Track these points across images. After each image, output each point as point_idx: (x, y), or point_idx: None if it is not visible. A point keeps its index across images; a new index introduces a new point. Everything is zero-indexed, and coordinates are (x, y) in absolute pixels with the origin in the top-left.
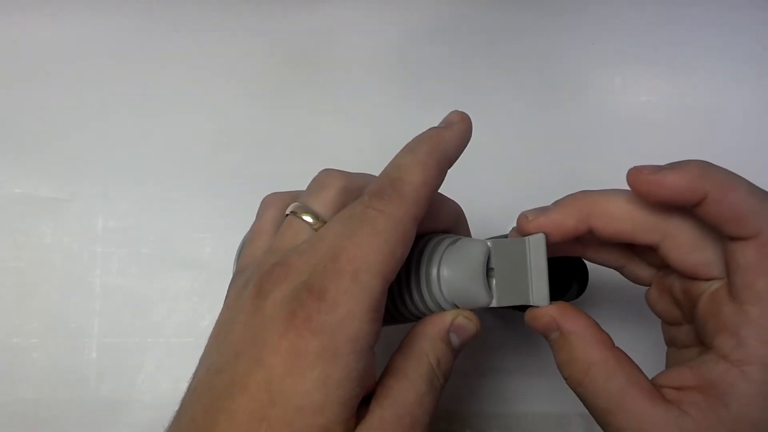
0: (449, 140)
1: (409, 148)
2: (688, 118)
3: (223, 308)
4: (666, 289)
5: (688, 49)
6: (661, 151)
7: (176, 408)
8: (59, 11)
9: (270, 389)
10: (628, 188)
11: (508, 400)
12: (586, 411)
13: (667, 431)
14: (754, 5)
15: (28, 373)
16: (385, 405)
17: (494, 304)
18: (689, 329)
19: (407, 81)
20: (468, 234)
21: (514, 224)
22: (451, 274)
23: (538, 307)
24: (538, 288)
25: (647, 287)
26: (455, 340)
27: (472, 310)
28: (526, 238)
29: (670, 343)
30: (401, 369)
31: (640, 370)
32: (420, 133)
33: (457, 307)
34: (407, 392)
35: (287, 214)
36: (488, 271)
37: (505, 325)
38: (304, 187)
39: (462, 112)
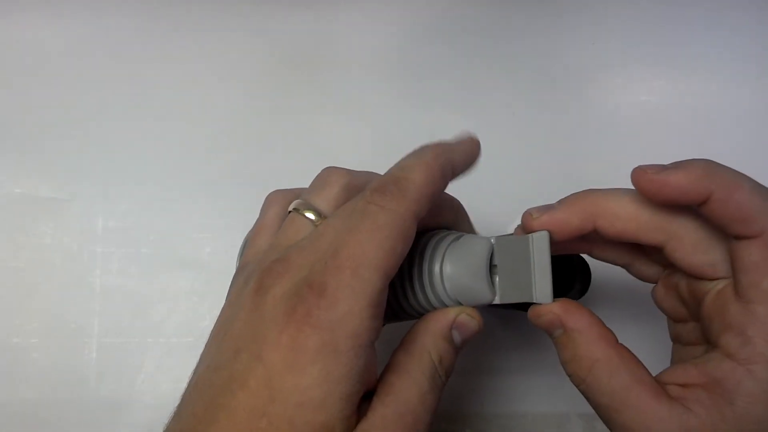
0: (456, 150)
1: (415, 152)
2: (688, 118)
3: (224, 305)
4: (672, 287)
5: (688, 49)
6: (661, 151)
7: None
8: (59, 11)
9: (270, 385)
10: (632, 187)
11: (508, 400)
12: (586, 411)
13: (671, 428)
14: (754, 5)
15: (28, 373)
16: (387, 402)
17: (497, 301)
18: (695, 327)
19: (407, 81)
20: (471, 228)
21: (514, 224)
22: (454, 270)
23: (541, 304)
24: (541, 285)
25: (653, 285)
26: (457, 337)
27: (474, 306)
28: (530, 235)
29: (676, 339)
30: (403, 366)
31: (644, 367)
32: (423, 140)
33: (460, 303)
34: (409, 389)
35: (290, 211)
36: (491, 268)
37: (505, 324)
38: (305, 187)
39: (471, 132)
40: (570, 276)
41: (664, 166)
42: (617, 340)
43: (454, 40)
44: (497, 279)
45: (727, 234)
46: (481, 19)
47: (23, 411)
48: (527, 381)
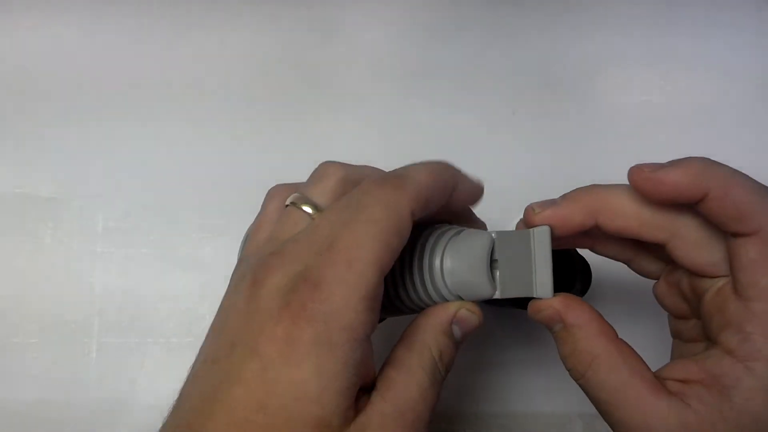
0: (463, 179)
1: (424, 161)
2: (688, 118)
3: (223, 298)
4: (674, 284)
5: (688, 49)
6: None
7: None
8: (59, 12)
9: (266, 379)
10: None
11: (508, 399)
12: (586, 411)
13: (669, 423)
14: (754, 5)
15: (27, 373)
16: (388, 398)
17: (498, 295)
18: (696, 323)
19: (407, 81)
20: (476, 219)
21: (514, 223)
22: (454, 264)
23: (541, 299)
24: (541, 280)
25: (655, 281)
26: (458, 332)
27: (474, 301)
28: (531, 230)
29: (676, 335)
30: (404, 361)
31: (644, 362)
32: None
33: (461, 298)
34: (410, 385)
35: (287, 205)
36: (492, 262)
37: (505, 324)
38: None
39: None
40: (571, 276)
41: (660, 164)
42: (617, 336)
43: (454, 40)
44: (498, 273)
45: (724, 232)
46: (481, 19)
47: (23, 411)
48: (527, 381)
